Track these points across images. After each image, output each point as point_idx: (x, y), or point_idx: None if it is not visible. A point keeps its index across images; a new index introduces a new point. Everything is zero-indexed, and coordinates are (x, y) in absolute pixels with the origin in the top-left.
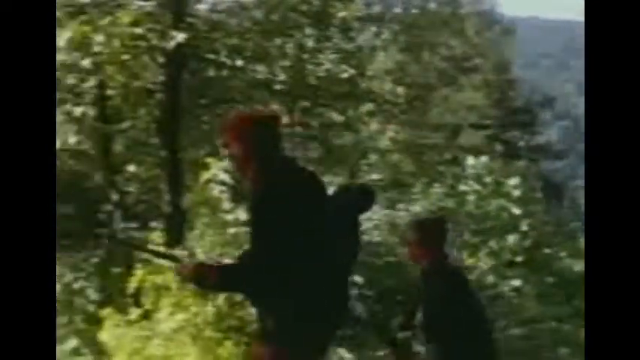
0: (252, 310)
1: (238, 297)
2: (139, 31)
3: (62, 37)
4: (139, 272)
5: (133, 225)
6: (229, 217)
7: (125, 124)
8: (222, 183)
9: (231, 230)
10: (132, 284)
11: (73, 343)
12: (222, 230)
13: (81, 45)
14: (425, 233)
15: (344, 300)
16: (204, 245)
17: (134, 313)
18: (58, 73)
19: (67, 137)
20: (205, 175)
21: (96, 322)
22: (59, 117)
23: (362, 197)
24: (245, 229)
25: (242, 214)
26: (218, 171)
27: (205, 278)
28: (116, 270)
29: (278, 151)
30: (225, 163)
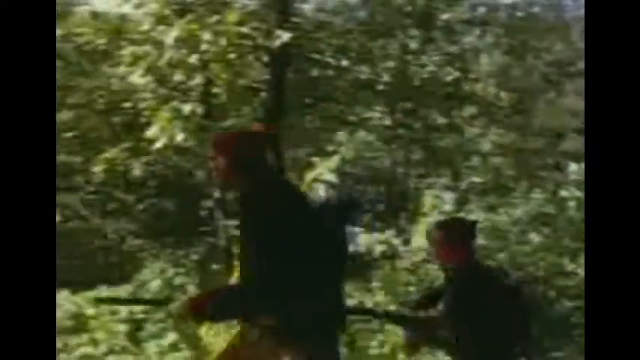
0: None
1: None
2: (244, 29)
3: (170, 35)
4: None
5: (234, 222)
6: None
7: (228, 122)
8: (328, 183)
9: None
10: (232, 281)
11: (171, 337)
12: None
13: (188, 42)
14: (449, 233)
15: (338, 306)
16: None
17: None
18: (166, 70)
19: (173, 134)
20: (310, 175)
21: None
22: (167, 114)
23: (347, 209)
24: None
25: None
26: (323, 170)
27: (200, 312)
28: (216, 267)
29: (264, 165)
30: (331, 163)
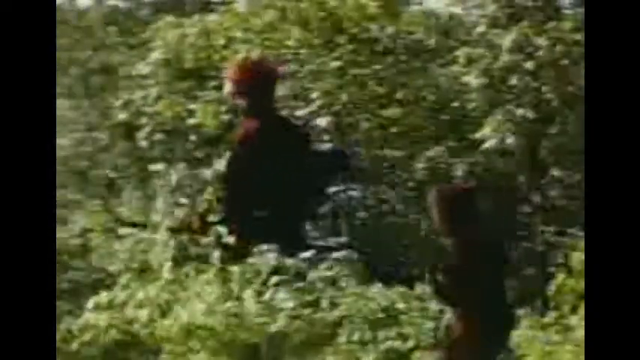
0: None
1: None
2: (578, 37)
3: (507, 39)
4: (559, 275)
5: (552, 229)
6: None
7: (554, 129)
8: None
9: None
10: (551, 287)
11: None
12: None
13: (524, 47)
14: (445, 205)
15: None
16: None
17: (550, 316)
18: (501, 73)
19: (504, 137)
20: None
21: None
22: (500, 116)
23: (336, 160)
24: None
25: None
26: None
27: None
28: (530, 272)
29: (268, 102)
30: None
